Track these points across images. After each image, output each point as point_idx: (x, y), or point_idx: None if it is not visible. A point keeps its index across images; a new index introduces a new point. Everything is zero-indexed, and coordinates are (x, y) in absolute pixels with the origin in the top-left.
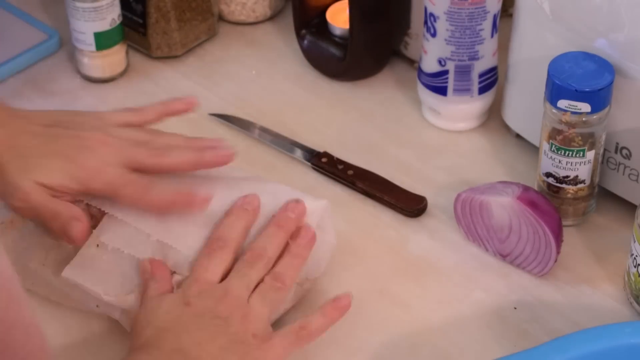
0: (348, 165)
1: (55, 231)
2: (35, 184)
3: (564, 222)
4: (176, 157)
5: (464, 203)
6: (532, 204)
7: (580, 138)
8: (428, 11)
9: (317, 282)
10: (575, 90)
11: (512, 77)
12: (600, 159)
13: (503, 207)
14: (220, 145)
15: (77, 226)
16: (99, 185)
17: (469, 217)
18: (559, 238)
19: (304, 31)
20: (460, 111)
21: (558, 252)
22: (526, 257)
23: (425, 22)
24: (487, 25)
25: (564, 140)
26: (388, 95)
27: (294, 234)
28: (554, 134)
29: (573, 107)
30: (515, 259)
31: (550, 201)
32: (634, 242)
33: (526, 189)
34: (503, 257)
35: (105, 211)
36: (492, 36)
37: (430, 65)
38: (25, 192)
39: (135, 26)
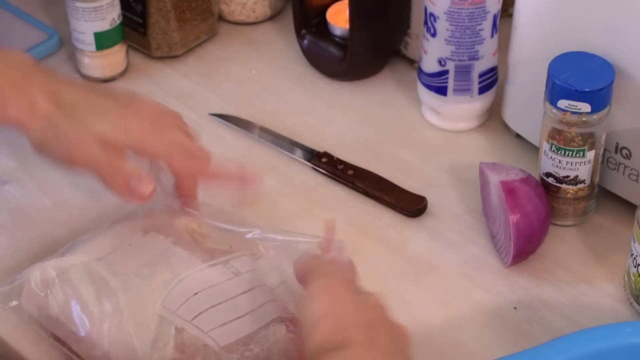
0: (348, 165)
1: (115, 187)
2: (94, 135)
3: (564, 222)
4: (215, 172)
5: (481, 174)
6: (510, 192)
7: (580, 138)
8: (428, 11)
9: None
10: (575, 90)
11: (512, 77)
12: (600, 159)
13: (495, 187)
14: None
15: (141, 184)
16: (154, 146)
17: (483, 190)
18: (524, 237)
19: (304, 31)
20: (460, 111)
21: (517, 250)
22: (500, 243)
23: (425, 22)
24: (487, 25)
25: (564, 140)
26: (388, 95)
27: None
28: (554, 134)
29: (573, 107)
30: (496, 243)
31: (548, 201)
32: (634, 242)
33: (526, 177)
34: (492, 237)
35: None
36: (492, 36)
37: (430, 65)
38: (83, 142)
39: (135, 26)
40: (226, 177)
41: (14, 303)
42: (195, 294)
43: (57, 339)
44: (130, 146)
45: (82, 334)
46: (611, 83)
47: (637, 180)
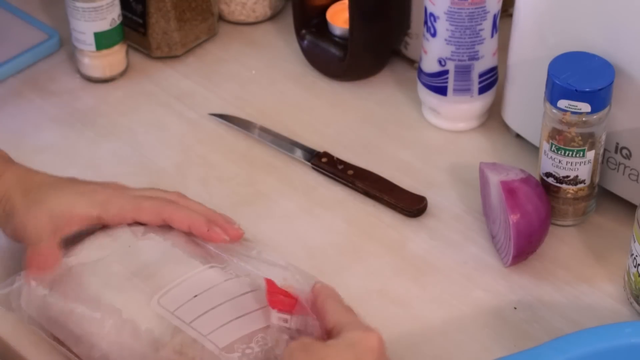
0: (348, 165)
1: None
2: (46, 212)
3: (564, 222)
4: (183, 214)
5: (481, 174)
6: (510, 192)
7: (580, 138)
8: (428, 11)
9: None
10: (575, 90)
11: (512, 77)
12: (600, 159)
13: (495, 187)
14: (230, 227)
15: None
16: (119, 203)
17: (483, 190)
18: (524, 237)
19: (304, 31)
20: (460, 111)
21: (517, 250)
22: (500, 243)
23: (425, 22)
24: (487, 25)
25: (564, 140)
26: (388, 95)
27: None
28: (554, 134)
29: (573, 107)
30: (496, 243)
31: (548, 201)
32: (634, 242)
33: (526, 177)
34: (492, 237)
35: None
36: (492, 36)
37: (430, 65)
38: (36, 220)
39: (135, 26)
40: (195, 230)
41: (14, 304)
42: (195, 296)
43: (56, 339)
44: (96, 211)
45: (81, 335)
46: (611, 83)
47: (637, 180)
